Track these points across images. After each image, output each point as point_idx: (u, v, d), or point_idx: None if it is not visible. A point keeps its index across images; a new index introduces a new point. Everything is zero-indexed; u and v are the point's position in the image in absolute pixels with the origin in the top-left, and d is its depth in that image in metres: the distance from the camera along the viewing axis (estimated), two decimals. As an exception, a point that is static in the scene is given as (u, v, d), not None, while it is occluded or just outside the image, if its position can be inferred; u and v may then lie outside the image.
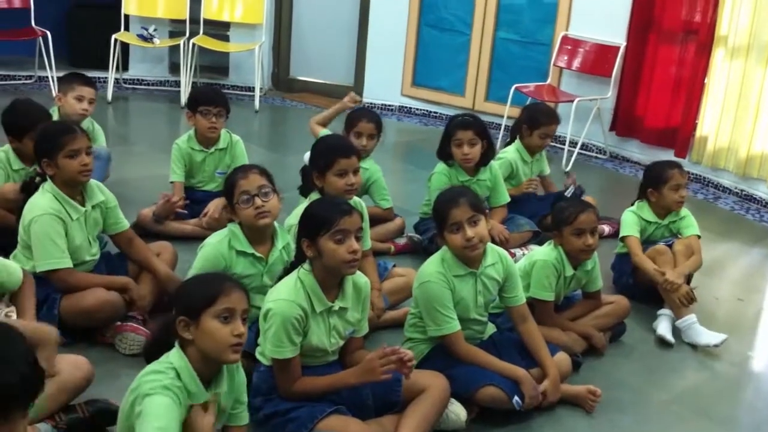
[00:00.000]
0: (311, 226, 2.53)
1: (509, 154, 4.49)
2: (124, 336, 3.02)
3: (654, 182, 3.91)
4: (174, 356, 2.13)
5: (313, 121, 4.59)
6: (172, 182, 4.18)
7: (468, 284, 2.86)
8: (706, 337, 3.49)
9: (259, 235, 2.94)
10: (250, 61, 6.93)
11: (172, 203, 4.02)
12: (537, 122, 4.46)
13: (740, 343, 3.68)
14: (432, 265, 2.86)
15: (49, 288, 2.98)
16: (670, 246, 3.79)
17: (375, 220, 3.98)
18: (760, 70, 5.35)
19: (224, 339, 2.09)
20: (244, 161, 4.12)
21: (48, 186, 3.05)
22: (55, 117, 4.21)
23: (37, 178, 3.13)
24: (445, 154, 4.10)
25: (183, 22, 6.83)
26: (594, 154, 6.33)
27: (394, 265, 3.62)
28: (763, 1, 5.28)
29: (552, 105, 5.92)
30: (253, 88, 6.85)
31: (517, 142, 4.52)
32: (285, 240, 3.02)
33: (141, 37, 6.77)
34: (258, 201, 2.86)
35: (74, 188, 3.09)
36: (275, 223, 3.01)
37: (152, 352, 2.20)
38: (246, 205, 2.85)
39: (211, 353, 2.11)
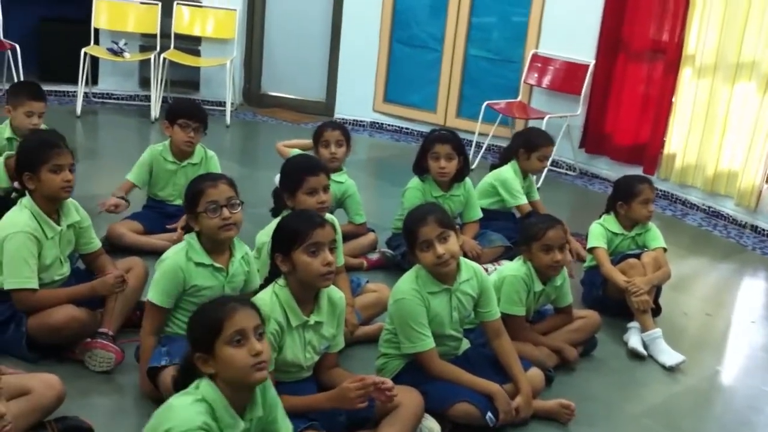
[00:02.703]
0: (285, 241, 2.52)
1: (506, 172, 4.47)
2: (94, 353, 2.97)
3: (624, 196, 3.96)
4: (204, 388, 2.06)
5: (281, 144, 4.61)
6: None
7: (443, 300, 2.86)
8: (665, 356, 3.53)
9: (218, 245, 2.87)
10: (221, 75, 6.91)
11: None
12: (535, 145, 4.46)
13: (709, 357, 3.73)
14: (406, 282, 2.85)
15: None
16: (637, 257, 3.84)
17: (347, 236, 3.97)
18: (726, 89, 5.45)
19: (243, 362, 2.03)
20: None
21: (26, 202, 3.01)
22: (7, 129, 4.20)
23: (14, 194, 3.10)
24: (420, 167, 4.11)
25: (154, 36, 6.80)
26: (564, 171, 6.39)
27: (367, 281, 3.61)
28: (729, 21, 5.39)
29: (522, 122, 5.99)
30: (224, 103, 6.82)
31: (513, 163, 4.50)
32: (243, 250, 2.97)
33: (111, 50, 6.71)
34: (226, 212, 2.80)
35: (53, 204, 3.06)
36: None
37: (180, 387, 2.13)
38: (213, 214, 2.79)
39: (236, 379, 2.06)
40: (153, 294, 2.82)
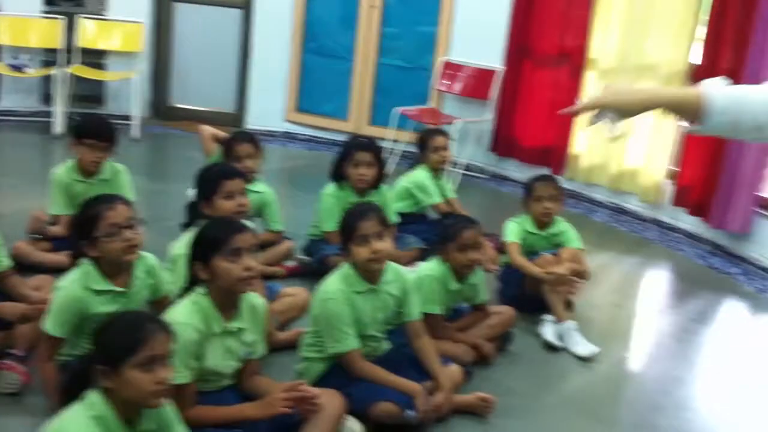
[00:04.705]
0: (204, 248, 2.50)
1: (418, 174, 4.60)
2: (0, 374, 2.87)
3: (524, 193, 4.10)
4: (95, 401, 2.01)
5: (208, 131, 4.53)
6: (55, 215, 4.02)
7: (368, 301, 2.89)
8: (579, 347, 3.64)
9: (117, 267, 2.74)
10: (127, 89, 6.77)
11: (41, 221, 3.94)
12: (425, 140, 4.64)
13: (620, 346, 3.87)
14: (333, 283, 2.87)
15: None
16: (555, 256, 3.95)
17: (264, 245, 3.95)
18: (627, 91, 5.65)
19: (147, 388, 2.01)
20: (128, 192, 3.99)
21: None
22: None
23: None
24: (339, 174, 4.13)
25: (57, 51, 6.62)
26: (476, 174, 6.52)
27: (282, 287, 3.61)
28: (630, 27, 5.62)
29: (434, 127, 6.08)
30: (130, 116, 6.68)
31: (423, 165, 4.63)
32: (145, 265, 2.84)
33: (12, 66, 6.51)
34: (127, 233, 2.68)
35: None
36: None
37: (67, 401, 2.07)
38: (115, 238, 2.66)
39: (133, 400, 2.04)
40: (50, 325, 2.68)
